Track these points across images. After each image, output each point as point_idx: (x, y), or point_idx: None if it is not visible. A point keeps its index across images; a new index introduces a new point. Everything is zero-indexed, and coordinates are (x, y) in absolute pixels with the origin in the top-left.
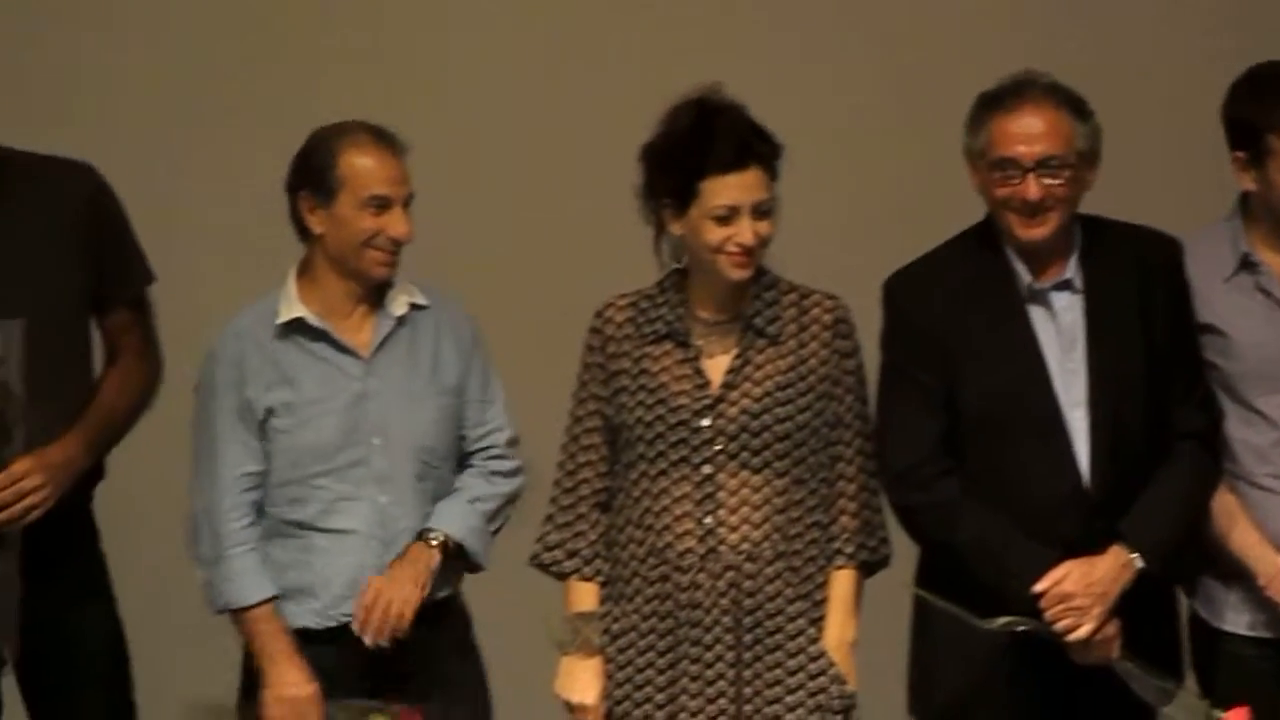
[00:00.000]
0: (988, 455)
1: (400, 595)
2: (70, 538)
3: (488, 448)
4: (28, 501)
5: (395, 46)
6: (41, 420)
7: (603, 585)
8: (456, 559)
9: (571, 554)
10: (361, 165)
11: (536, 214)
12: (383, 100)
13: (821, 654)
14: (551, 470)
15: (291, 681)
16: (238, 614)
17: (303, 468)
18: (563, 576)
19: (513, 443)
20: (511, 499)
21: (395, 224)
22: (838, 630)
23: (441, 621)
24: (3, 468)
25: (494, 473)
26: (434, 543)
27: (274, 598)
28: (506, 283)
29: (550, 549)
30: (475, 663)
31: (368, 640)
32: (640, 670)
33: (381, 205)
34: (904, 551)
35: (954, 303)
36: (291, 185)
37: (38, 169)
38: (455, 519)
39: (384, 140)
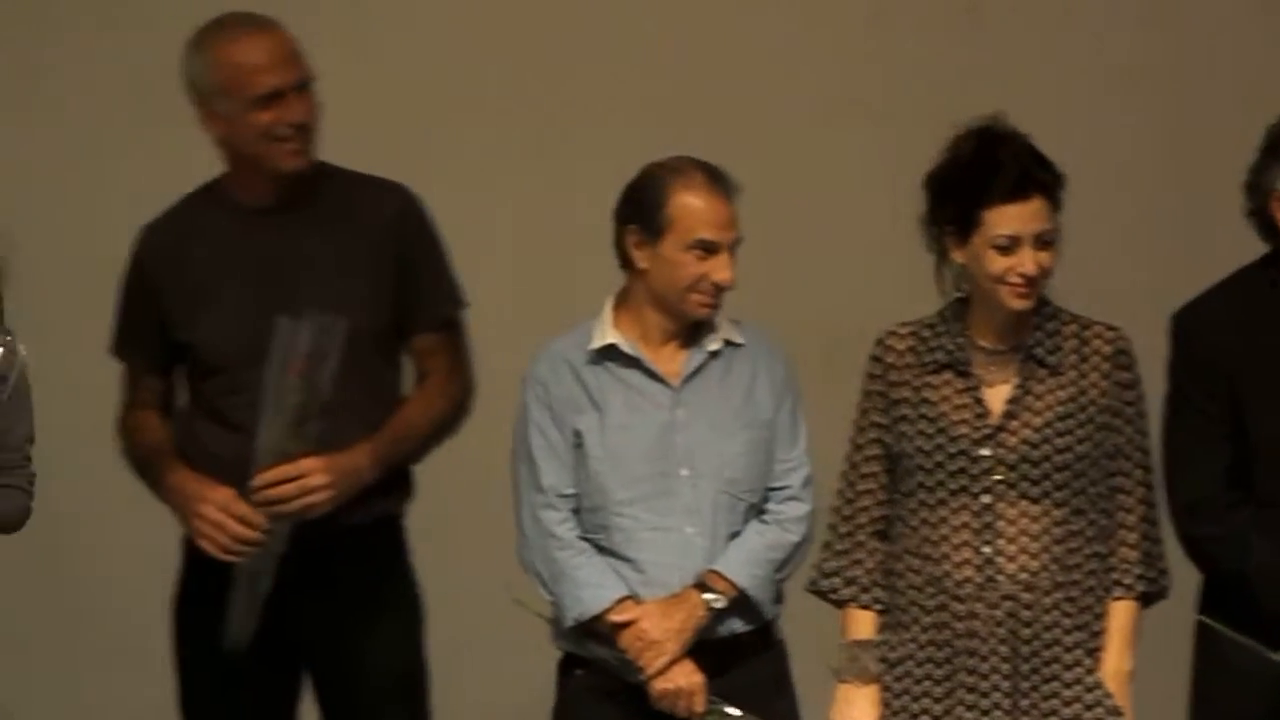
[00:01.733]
0: (1277, 486)
1: (659, 635)
2: (377, 553)
3: (785, 486)
4: (309, 499)
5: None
6: (340, 426)
7: (880, 613)
8: (740, 606)
9: (849, 581)
10: (692, 207)
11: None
12: None
13: (1098, 685)
14: (828, 496)
15: (683, 671)
16: (595, 621)
17: (610, 495)
18: (840, 604)
19: (808, 483)
20: (800, 547)
21: (720, 269)
22: (1115, 661)
23: (759, 655)
24: (291, 459)
25: (787, 520)
26: (712, 601)
27: (627, 597)
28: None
29: (828, 576)
30: (791, 699)
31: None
32: (916, 699)
33: (708, 249)
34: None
35: (1241, 334)
36: (619, 216)
37: (354, 185)
38: (744, 566)
39: (717, 182)
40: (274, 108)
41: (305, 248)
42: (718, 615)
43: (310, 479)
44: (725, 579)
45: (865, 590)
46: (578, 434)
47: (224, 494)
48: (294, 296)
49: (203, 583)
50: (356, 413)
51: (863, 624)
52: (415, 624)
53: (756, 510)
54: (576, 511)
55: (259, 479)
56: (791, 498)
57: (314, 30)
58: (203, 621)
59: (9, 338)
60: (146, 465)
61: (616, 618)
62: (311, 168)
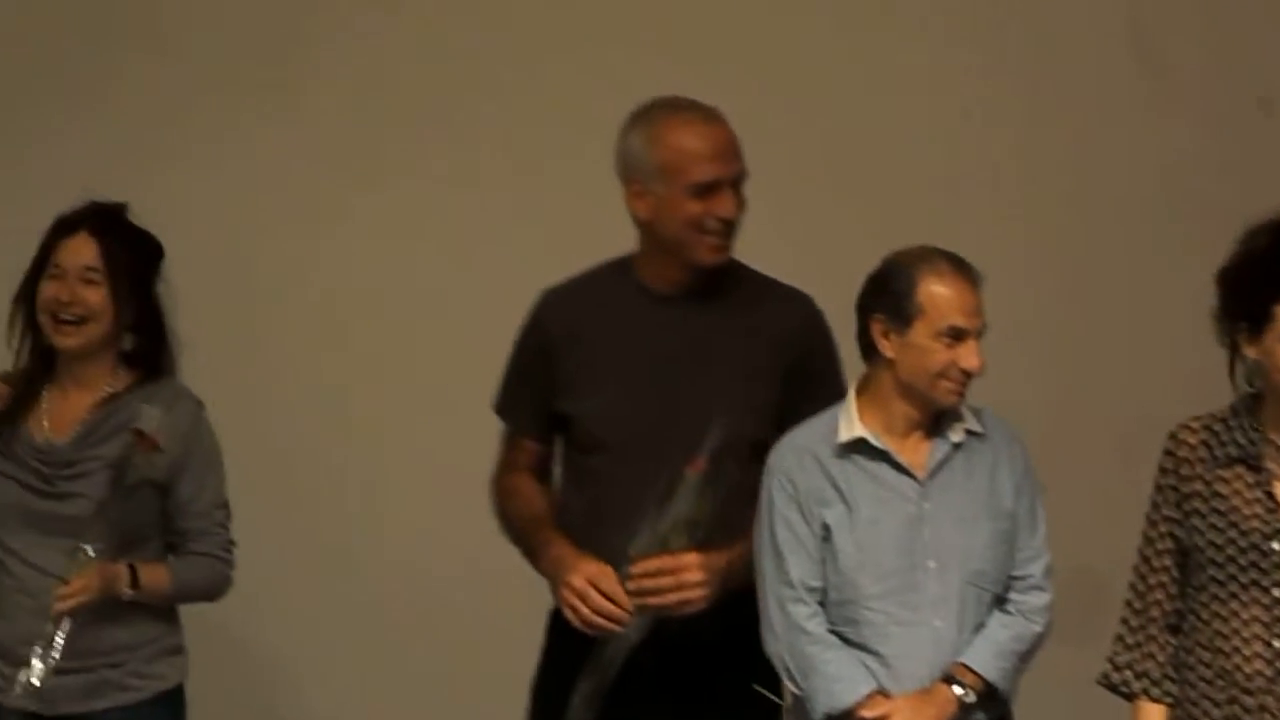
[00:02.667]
0: None
1: None
2: (732, 661)
3: (1027, 575)
4: (685, 594)
5: None
6: (719, 524)
7: (1171, 707)
8: (987, 699)
9: (1140, 675)
10: (940, 295)
11: None
12: None
13: None
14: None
15: None
16: (845, 716)
17: (860, 589)
18: (1131, 697)
19: (1049, 572)
20: (1042, 638)
21: (968, 356)
22: None
23: None
24: (670, 553)
25: (1030, 610)
26: (962, 695)
27: (877, 691)
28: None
29: (1119, 669)
30: None
31: None
32: None
33: (957, 336)
34: None
35: None
36: (864, 306)
37: (762, 288)
38: (993, 660)
39: (963, 270)
40: (707, 199)
41: (707, 344)
42: (965, 709)
43: (689, 574)
44: (973, 673)
45: (1156, 684)
46: (825, 527)
47: (597, 568)
48: (689, 391)
49: (560, 662)
50: (726, 516)
51: (1153, 717)
52: None
53: (999, 600)
54: (823, 604)
55: (638, 566)
56: (1034, 587)
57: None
58: (553, 699)
59: (164, 408)
60: (524, 533)
61: (868, 713)
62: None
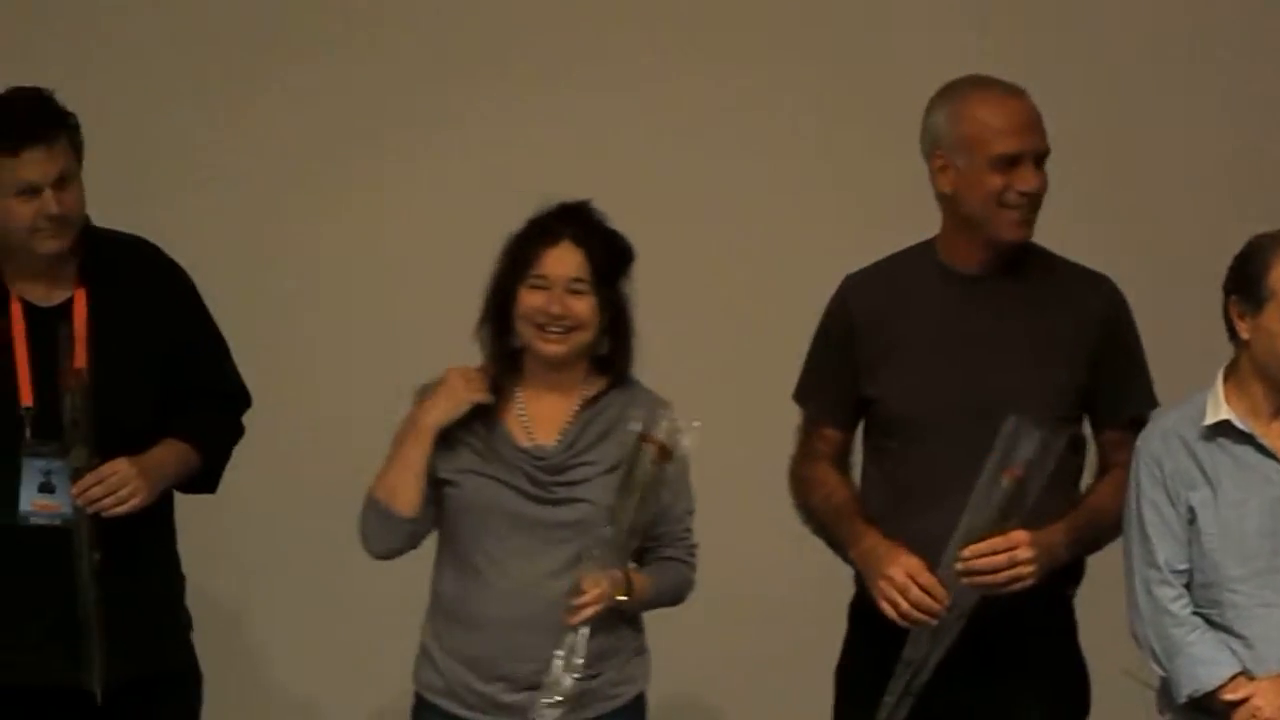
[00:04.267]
0: None
1: (1272, 713)
2: (1050, 633)
3: None
4: (1017, 571)
5: None
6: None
7: None
8: None
9: None
10: None
11: None
12: None
13: None
14: None
15: None
16: (1209, 697)
17: (1223, 571)
18: None
19: None
20: None
21: None
22: None
23: None
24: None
25: None
26: None
27: (1240, 673)
28: None
29: None
30: None
31: None
32: None
33: None
34: None
35: None
36: (1225, 287)
37: (1064, 271)
38: None
39: None
40: (1009, 173)
41: (1011, 327)
42: None
43: (1019, 552)
44: None
45: None
46: (1191, 510)
47: (915, 562)
48: (992, 372)
49: (867, 653)
50: (1042, 493)
51: None
52: (1078, 706)
53: None
54: (1188, 586)
55: (971, 549)
56: None
57: None
58: (861, 689)
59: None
60: (830, 524)
61: (1231, 696)
62: (1024, 243)
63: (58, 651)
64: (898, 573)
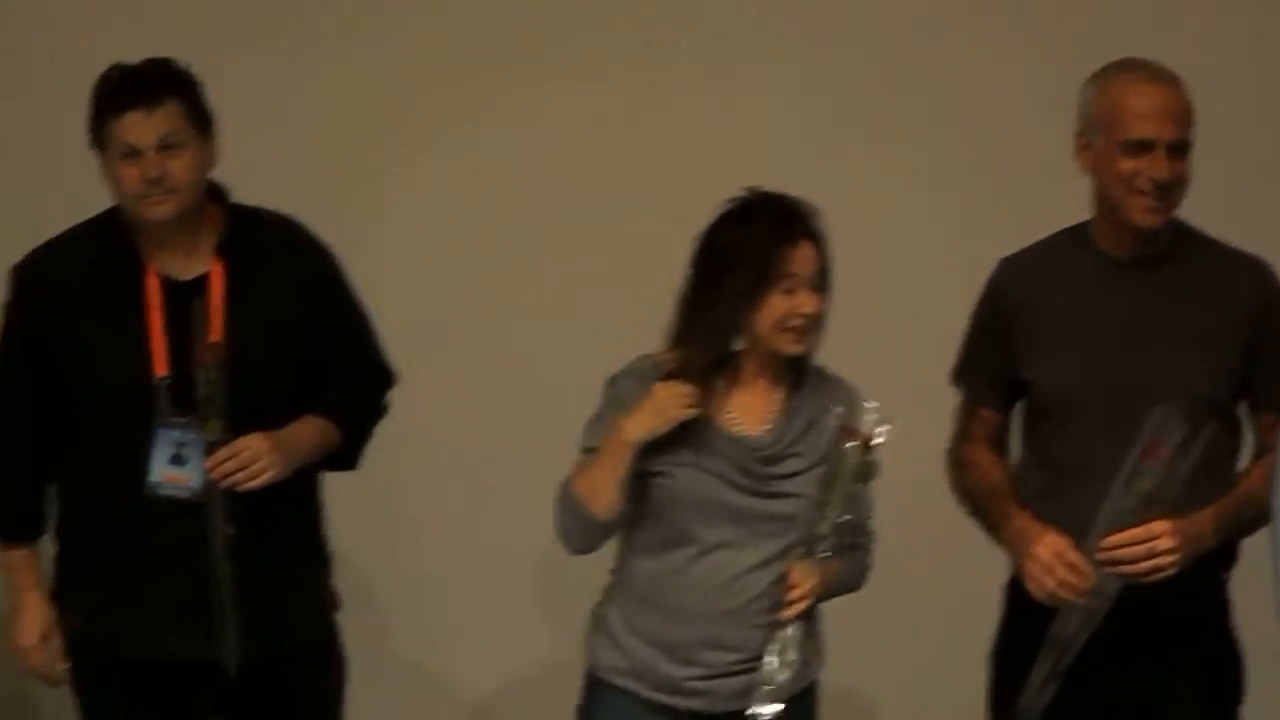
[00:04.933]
0: None
1: None
2: (1197, 619)
3: None
4: (1157, 560)
5: None
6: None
7: None
8: None
9: None
10: None
11: None
12: None
13: None
14: None
15: None
16: None
17: None
18: None
19: None
20: None
21: None
22: None
23: None
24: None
25: None
26: None
27: None
28: None
29: None
30: None
31: None
32: None
33: None
34: None
35: None
36: None
37: (1215, 255)
38: None
39: None
40: (1140, 157)
41: (1164, 311)
42: None
43: (1160, 542)
44: None
45: None
46: None
47: (1062, 542)
48: (1144, 356)
49: (1021, 633)
50: (1193, 485)
51: None
52: (1233, 690)
53: None
54: None
55: (1110, 539)
56: None
57: None
58: (1015, 670)
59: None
60: (983, 506)
61: None
62: (1169, 228)
63: (193, 625)
64: (1044, 551)
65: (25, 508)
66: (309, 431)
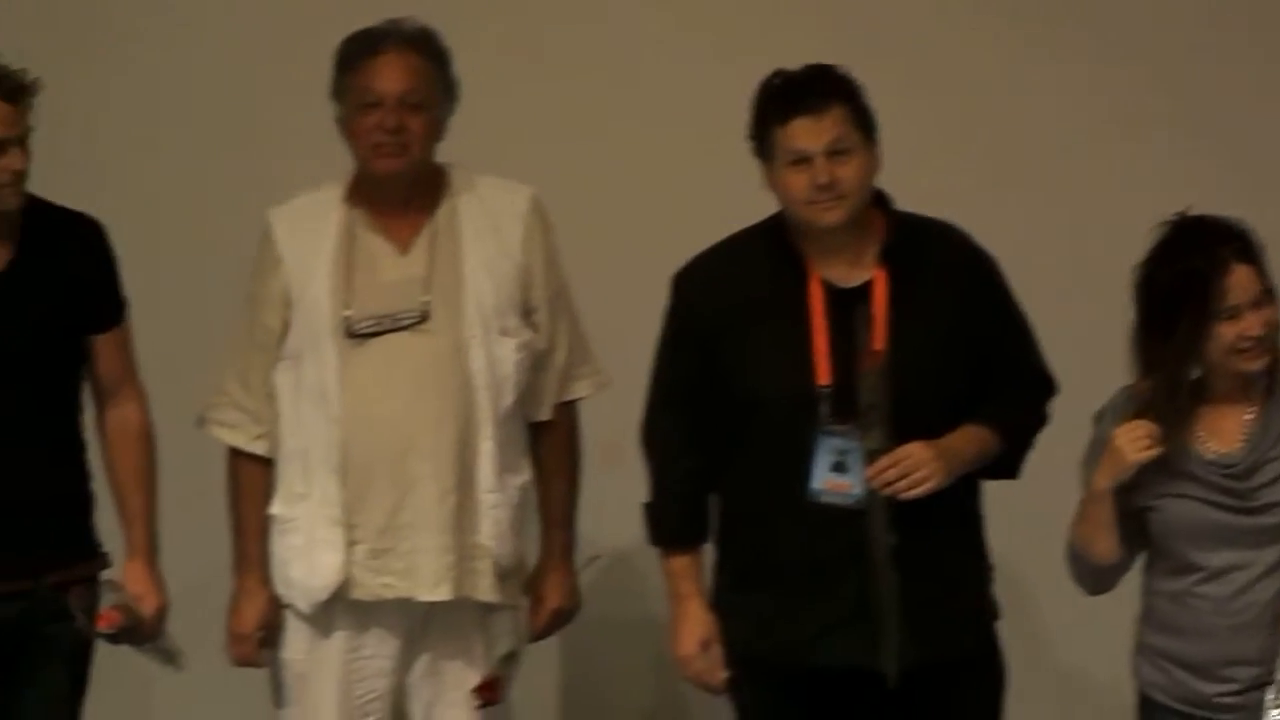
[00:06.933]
0: None
1: None
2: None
3: None
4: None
5: None
6: None
7: None
8: None
9: None
10: None
11: None
12: None
13: None
14: None
15: None
16: None
17: None
18: None
19: None
20: None
21: None
22: None
23: None
24: None
25: None
26: None
27: None
28: None
29: None
30: None
31: None
32: None
33: None
34: None
35: None
36: None
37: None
38: None
39: None
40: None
41: None
42: None
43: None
44: None
45: None
46: None
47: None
48: None
49: None
50: None
51: None
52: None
53: None
54: None
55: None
56: None
57: None
58: None
59: None
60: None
61: None
62: None
63: (855, 635)
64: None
65: (688, 514)
66: (969, 440)
